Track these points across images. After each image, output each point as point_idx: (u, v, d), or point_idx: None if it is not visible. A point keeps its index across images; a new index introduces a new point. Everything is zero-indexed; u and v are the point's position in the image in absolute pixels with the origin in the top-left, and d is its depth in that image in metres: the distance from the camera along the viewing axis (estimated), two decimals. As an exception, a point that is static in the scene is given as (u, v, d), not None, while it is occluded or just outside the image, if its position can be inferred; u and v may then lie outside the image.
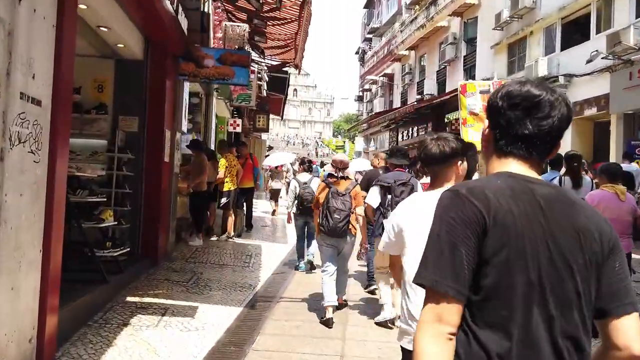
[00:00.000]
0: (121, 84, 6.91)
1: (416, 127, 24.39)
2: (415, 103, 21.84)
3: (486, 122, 1.44)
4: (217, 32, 9.22)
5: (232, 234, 9.33)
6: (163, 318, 4.77)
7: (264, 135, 27.89)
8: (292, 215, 7.53)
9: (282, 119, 24.64)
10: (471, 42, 21.00)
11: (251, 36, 9.74)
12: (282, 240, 10.22)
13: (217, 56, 7.62)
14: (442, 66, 23.17)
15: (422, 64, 26.57)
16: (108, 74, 6.90)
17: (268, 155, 22.61)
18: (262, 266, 7.48)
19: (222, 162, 9.35)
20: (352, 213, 5.19)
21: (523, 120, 1.33)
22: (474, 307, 1.26)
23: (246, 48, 8.61)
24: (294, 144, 74.29)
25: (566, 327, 1.26)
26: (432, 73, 24.39)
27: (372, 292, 6.15)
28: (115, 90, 6.90)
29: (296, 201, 7.28)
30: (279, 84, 18.37)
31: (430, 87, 24.34)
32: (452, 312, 1.24)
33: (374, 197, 5.00)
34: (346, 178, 5.49)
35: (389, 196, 4.88)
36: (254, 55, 12.27)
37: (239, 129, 15.20)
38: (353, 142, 53.44)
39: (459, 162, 2.43)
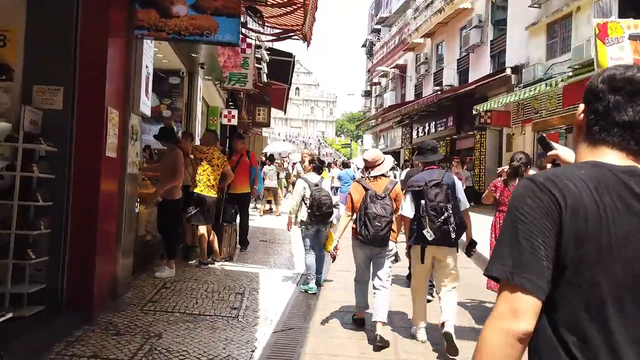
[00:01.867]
0: (37, 35, 4.41)
1: (434, 122, 21.99)
2: (439, 93, 19.28)
3: (581, 106, 1.28)
4: (192, -31, 6.67)
5: (208, 259, 6.79)
6: None
7: (264, 132, 25.43)
8: (292, 221, 6.23)
9: (285, 113, 22.21)
10: (499, 24, 18.61)
11: (246, -8, 7.25)
12: (286, 263, 7.66)
13: (193, 1, 5.13)
14: (464, 53, 20.76)
15: (439, 52, 24.15)
16: (15, 20, 4.40)
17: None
18: (258, 315, 4.93)
19: (193, 149, 7.02)
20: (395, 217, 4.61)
21: (623, 106, 1.19)
22: (550, 307, 1.12)
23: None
24: (296, 144, 72.08)
25: None
26: (452, 62, 21.98)
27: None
28: (28, 46, 4.40)
29: (305, 206, 6.03)
30: (281, 70, 15.84)
31: (450, 77, 21.93)
32: (529, 308, 1.09)
33: (408, 206, 4.50)
34: (382, 177, 4.76)
35: (422, 201, 4.34)
36: (252, 25, 9.81)
37: (234, 122, 12.75)
38: (357, 142, 51.19)
39: None
